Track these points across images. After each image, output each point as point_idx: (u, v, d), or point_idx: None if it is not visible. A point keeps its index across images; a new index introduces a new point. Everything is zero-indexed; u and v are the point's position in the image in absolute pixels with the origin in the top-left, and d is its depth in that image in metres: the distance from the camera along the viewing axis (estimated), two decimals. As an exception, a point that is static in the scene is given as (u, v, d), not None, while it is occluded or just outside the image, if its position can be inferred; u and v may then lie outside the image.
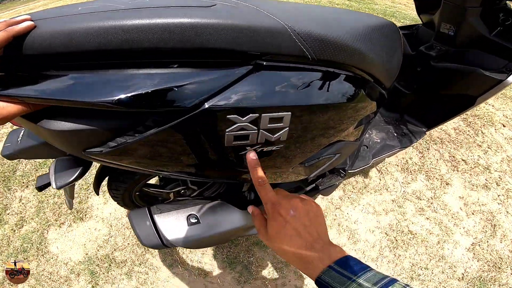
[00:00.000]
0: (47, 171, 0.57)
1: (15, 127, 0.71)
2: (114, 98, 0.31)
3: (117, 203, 0.79)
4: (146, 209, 0.70)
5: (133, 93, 0.31)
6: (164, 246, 0.67)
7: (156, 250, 1.11)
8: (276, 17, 0.38)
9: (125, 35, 0.30)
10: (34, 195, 1.26)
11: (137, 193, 0.76)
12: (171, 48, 0.32)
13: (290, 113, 0.40)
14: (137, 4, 0.34)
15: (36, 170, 1.34)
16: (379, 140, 1.13)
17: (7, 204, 1.25)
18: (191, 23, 0.32)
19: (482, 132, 1.65)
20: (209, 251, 1.09)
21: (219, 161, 0.44)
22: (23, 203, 1.25)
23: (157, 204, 0.73)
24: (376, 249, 1.10)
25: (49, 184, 0.58)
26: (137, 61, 0.33)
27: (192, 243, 0.69)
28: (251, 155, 0.41)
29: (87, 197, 1.27)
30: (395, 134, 1.17)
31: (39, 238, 1.15)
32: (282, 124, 0.41)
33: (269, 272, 1.04)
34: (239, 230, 0.75)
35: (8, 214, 1.22)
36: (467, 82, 1.01)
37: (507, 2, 0.88)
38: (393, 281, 0.30)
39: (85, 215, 1.23)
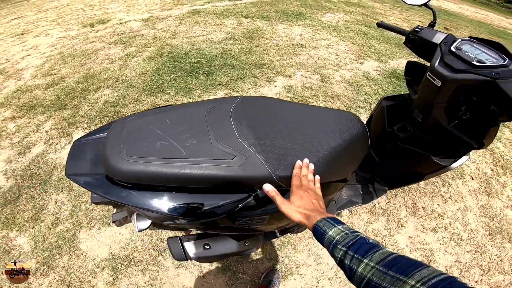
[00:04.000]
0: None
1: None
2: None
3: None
4: (179, 237, 1.04)
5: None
6: (187, 260, 1.04)
7: (167, 255, 1.44)
8: (267, 166, 0.72)
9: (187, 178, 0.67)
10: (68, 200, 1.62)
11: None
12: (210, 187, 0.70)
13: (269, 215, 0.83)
14: (189, 153, 0.70)
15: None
16: (346, 197, 1.42)
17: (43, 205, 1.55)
18: (222, 175, 0.68)
19: (449, 184, 1.95)
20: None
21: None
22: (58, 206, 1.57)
23: (186, 235, 1.11)
24: (333, 271, 1.46)
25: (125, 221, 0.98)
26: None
27: (204, 259, 1.10)
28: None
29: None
30: (361, 192, 1.43)
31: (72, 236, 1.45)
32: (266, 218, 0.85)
33: (251, 278, 1.43)
34: (233, 253, 1.13)
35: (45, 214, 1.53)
36: (420, 163, 1.20)
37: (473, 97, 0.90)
38: (357, 232, 0.50)
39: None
